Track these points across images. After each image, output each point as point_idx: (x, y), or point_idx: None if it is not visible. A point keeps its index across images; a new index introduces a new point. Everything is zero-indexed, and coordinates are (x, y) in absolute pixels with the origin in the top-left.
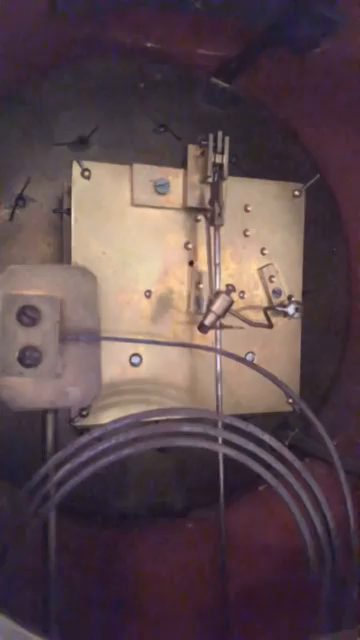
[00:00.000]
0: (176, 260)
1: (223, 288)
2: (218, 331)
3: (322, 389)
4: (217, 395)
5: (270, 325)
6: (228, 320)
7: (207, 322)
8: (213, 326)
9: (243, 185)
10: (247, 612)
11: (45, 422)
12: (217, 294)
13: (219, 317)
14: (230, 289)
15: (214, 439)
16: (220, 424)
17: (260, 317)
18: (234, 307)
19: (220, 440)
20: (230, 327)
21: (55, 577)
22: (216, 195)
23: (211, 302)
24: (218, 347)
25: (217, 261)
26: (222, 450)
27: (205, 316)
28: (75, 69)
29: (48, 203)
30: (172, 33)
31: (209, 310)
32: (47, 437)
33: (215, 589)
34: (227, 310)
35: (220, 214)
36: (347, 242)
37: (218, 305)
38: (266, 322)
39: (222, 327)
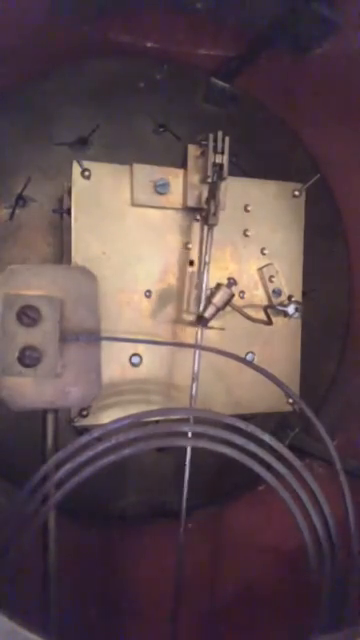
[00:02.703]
0: (176, 260)
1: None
2: (200, 330)
3: (322, 389)
4: (191, 394)
5: (270, 322)
6: (228, 316)
7: (207, 314)
8: (212, 318)
9: (243, 185)
10: (247, 612)
11: (45, 422)
12: (218, 287)
13: (219, 310)
14: (232, 282)
15: (214, 439)
16: (192, 419)
17: (260, 317)
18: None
19: (190, 434)
20: (212, 328)
21: (55, 577)
22: (213, 194)
23: (212, 294)
24: (200, 346)
25: (207, 260)
26: (220, 449)
27: (205, 308)
28: (75, 69)
29: (48, 203)
30: (172, 33)
31: (209, 302)
32: (47, 437)
33: (215, 589)
34: (227, 303)
35: (215, 213)
36: (347, 242)
37: (219, 298)
38: (266, 319)
39: (205, 327)
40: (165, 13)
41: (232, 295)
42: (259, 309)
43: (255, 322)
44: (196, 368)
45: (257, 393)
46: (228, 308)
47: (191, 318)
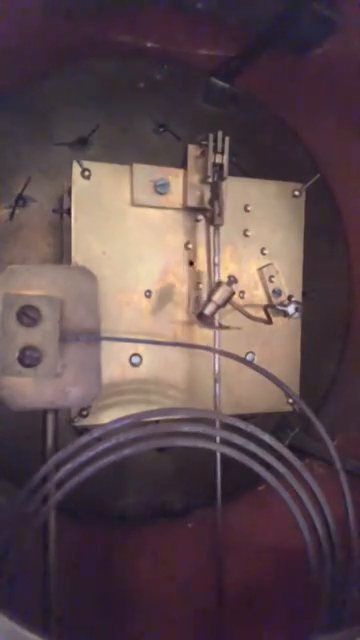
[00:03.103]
0: (176, 260)
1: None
2: (217, 331)
3: (322, 389)
4: (215, 395)
5: (270, 321)
6: (228, 316)
7: (207, 311)
8: (212, 316)
9: (243, 185)
10: (247, 612)
11: (45, 422)
12: (219, 284)
13: (219, 307)
14: (232, 280)
15: (214, 439)
16: (218, 423)
17: (260, 317)
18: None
19: (218, 439)
20: (228, 328)
21: (55, 577)
22: (216, 195)
23: (212, 292)
24: (216, 347)
25: (216, 261)
26: (222, 450)
27: (205, 305)
28: (75, 69)
29: (48, 203)
30: (172, 33)
31: (209, 299)
32: (47, 437)
33: (215, 589)
34: (227, 301)
35: (220, 214)
36: (347, 242)
37: (219, 295)
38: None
39: (221, 327)
40: (165, 13)
41: (232, 293)
42: (259, 309)
43: (255, 321)
44: (217, 369)
45: (257, 393)
46: (229, 308)
47: (192, 318)
